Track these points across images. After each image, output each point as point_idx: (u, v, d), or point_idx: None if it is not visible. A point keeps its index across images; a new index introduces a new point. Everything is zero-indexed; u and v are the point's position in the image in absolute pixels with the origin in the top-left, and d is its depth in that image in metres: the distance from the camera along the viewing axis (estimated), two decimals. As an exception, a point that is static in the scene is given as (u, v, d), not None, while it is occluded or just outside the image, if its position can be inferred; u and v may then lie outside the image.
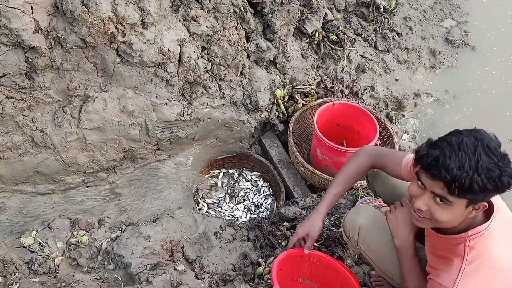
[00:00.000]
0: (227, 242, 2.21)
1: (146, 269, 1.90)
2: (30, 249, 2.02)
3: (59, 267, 1.96)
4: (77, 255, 2.04)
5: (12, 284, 1.74)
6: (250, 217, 3.07)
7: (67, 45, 2.38)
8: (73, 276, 1.89)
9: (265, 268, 2.15)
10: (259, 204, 3.22)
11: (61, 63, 2.43)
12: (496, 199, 1.49)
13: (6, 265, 1.86)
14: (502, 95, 4.06)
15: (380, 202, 2.51)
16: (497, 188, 1.32)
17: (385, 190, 2.05)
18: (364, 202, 2.68)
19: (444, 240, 1.52)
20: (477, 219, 1.45)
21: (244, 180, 3.37)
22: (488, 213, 1.46)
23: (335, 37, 3.50)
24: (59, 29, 2.34)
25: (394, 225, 1.75)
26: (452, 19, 4.64)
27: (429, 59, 4.25)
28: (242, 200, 3.21)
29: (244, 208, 3.16)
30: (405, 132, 3.75)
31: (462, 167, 1.30)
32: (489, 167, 1.30)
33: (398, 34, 4.18)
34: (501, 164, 1.32)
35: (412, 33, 4.30)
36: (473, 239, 1.43)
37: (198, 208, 3.09)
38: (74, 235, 2.10)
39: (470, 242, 1.43)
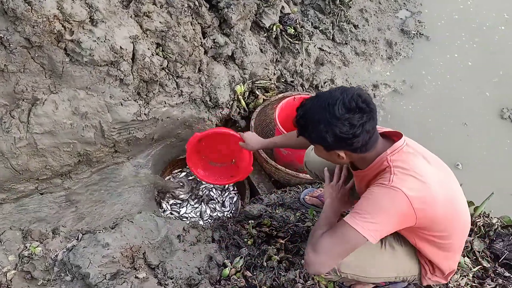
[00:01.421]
0: (191, 245, 2.15)
1: (105, 278, 1.81)
2: (-22, 265, 1.89)
3: (11, 281, 1.84)
4: (31, 268, 1.92)
5: (-42, 305, 1.62)
6: (217, 215, 3.02)
7: (11, 45, 2.24)
8: (27, 291, 1.78)
9: (231, 269, 2.11)
10: (224, 202, 3.17)
11: (5, 65, 2.28)
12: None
13: (-49, 285, 1.73)
14: (456, 80, 4.19)
15: (320, 191, 2.73)
16: (322, 140, 1.54)
17: (316, 168, 2.19)
18: (307, 195, 2.74)
19: (369, 170, 1.65)
20: (380, 146, 1.61)
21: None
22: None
23: (293, 30, 3.48)
24: (0, 29, 2.20)
25: (328, 192, 1.91)
26: (407, 9, 4.74)
27: (386, 50, 4.32)
28: (207, 200, 3.15)
29: (209, 208, 3.10)
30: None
31: (302, 116, 1.58)
32: (319, 120, 1.51)
33: (355, 26, 4.22)
34: (333, 121, 1.48)
35: (368, 25, 4.36)
36: (393, 155, 1.58)
37: (161, 210, 3.01)
38: (26, 247, 1.98)
39: (391, 157, 1.58)
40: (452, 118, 3.89)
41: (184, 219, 3.00)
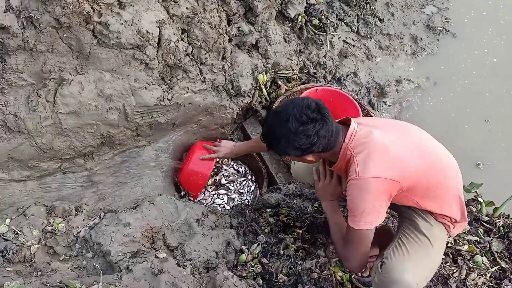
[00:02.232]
0: (210, 229, 2.17)
1: (126, 257, 1.84)
2: (4, 237, 1.93)
3: (35, 255, 1.89)
4: (54, 243, 1.96)
5: (-16, 274, 1.66)
6: (233, 203, 3.03)
7: (40, 25, 2.26)
8: (50, 264, 1.82)
9: (248, 255, 2.12)
10: (242, 192, 3.17)
11: (34, 44, 2.31)
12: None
13: (-22, 255, 1.78)
14: (481, 77, 4.12)
15: None
16: (287, 153, 1.71)
17: (304, 177, 2.29)
18: None
19: (340, 163, 1.79)
20: (341, 137, 1.74)
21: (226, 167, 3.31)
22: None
23: (318, 21, 3.46)
24: (31, 8, 2.22)
25: (321, 194, 2.08)
26: (434, 5, 4.65)
27: (410, 46, 4.26)
28: (226, 188, 3.16)
29: (227, 196, 3.12)
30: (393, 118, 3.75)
31: (266, 133, 1.76)
32: (279, 137, 1.68)
33: (380, 20, 4.17)
34: (290, 136, 1.65)
35: (394, 19, 4.30)
36: (351, 142, 1.72)
37: (179, 195, 3.03)
38: (50, 223, 2.02)
39: (350, 145, 1.72)
40: (475, 116, 3.84)
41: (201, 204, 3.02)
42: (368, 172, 1.64)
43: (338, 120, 1.82)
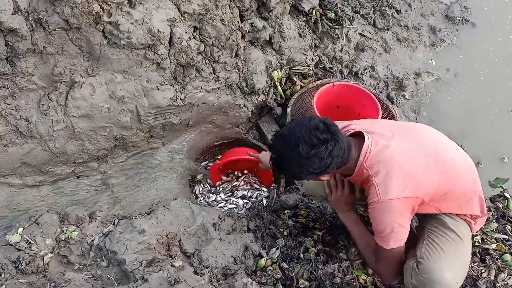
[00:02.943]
0: (227, 234, 2.10)
1: (141, 265, 1.79)
2: (17, 247, 1.89)
3: (48, 265, 1.84)
4: (68, 252, 1.91)
5: (-3, 286, 1.62)
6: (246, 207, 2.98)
7: (50, 27, 2.21)
8: (64, 275, 1.77)
9: (267, 260, 2.05)
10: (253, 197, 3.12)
11: (44, 46, 2.26)
12: (372, 122, 1.94)
13: (-9, 265, 1.74)
14: (504, 66, 3.98)
15: None
16: (300, 178, 1.69)
17: (317, 189, 2.25)
18: None
19: (355, 177, 1.78)
20: (354, 152, 1.70)
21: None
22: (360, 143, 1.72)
23: (333, 14, 3.35)
24: (40, 9, 2.17)
25: (335, 205, 2.08)
26: (452, -6, 4.48)
27: (429, 37, 4.12)
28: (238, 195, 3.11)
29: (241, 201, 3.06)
30: (406, 114, 3.64)
31: (275, 160, 1.71)
32: (290, 162, 1.62)
33: (397, 11, 4.03)
34: (302, 161, 1.59)
35: (411, 10, 4.15)
36: (367, 160, 1.68)
37: (194, 197, 2.98)
38: (63, 231, 1.97)
39: (366, 163, 1.69)
40: (498, 107, 3.69)
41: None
42: (390, 194, 1.63)
43: (348, 133, 1.78)
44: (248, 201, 3.03)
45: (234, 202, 2.98)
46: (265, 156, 2.57)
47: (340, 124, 1.81)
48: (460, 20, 4.26)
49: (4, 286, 1.61)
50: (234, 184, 3.14)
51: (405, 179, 1.65)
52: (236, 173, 3.26)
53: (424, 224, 1.91)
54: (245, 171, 3.25)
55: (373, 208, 1.69)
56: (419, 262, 1.75)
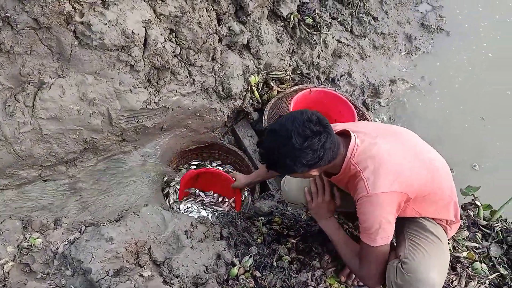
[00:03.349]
0: (199, 241, 2.05)
1: (108, 275, 1.72)
2: (-24, 255, 1.80)
3: (9, 274, 1.75)
4: (30, 260, 1.83)
5: (-47, 297, 1.53)
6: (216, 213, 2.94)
7: (18, 26, 2.13)
8: (25, 284, 1.69)
9: (239, 268, 2.01)
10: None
11: (11, 46, 2.18)
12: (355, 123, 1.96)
13: None
14: (477, 75, 4.05)
15: None
16: (293, 171, 1.65)
17: (297, 197, 2.21)
18: None
19: (342, 175, 1.77)
20: (342, 149, 1.71)
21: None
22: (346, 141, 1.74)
23: (311, 20, 3.36)
24: (8, 8, 2.09)
25: (316, 212, 2.04)
26: (427, 3, 4.57)
27: (405, 45, 4.18)
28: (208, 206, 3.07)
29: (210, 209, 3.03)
30: (381, 121, 3.67)
31: (266, 155, 1.69)
32: (283, 155, 1.61)
33: (374, 19, 4.07)
34: (296, 153, 1.59)
35: (388, 18, 4.20)
36: (354, 156, 1.70)
37: (169, 203, 2.92)
38: (26, 238, 1.88)
39: (353, 160, 1.70)
40: (471, 114, 3.76)
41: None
42: (378, 188, 1.64)
43: (335, 132, 1.76)
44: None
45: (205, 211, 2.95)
46: (239, 175, 2.70)
47: None
48: (435, 28, 4.33)
49: (-41, 297, 1.52)
50: (198, 200, 3.10)
51: (394, 174, 1.66)
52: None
53: (403, 228, 1.91)
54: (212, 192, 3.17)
55: (361, 203, 1.69)
56: (403, 262, 1.75)
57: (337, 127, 1.83)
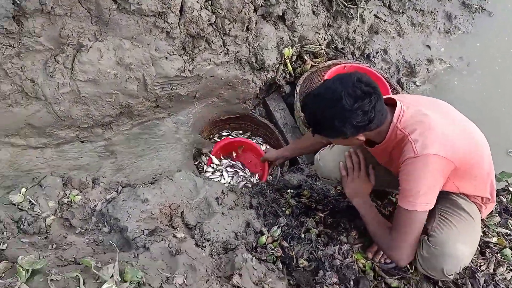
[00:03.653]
0: (229, 209, 2.09)
1: (143, 234, 1.78)
2: (20, 207, 1.88)
3: (50, 227, 1.83)
4: (70, 215, 1.91)
5: (-1, 244, 1.61)
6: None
7: (59, -13, 2.15)
8: (65, 237, 1.77)
9: (268, 237, 2.04)
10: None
11: (52, 7, 2.20)
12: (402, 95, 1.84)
13: (-7, 224, 1.74)
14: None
15: None
16: (342, 134, 1.61)
17: (331, 172, 2.19)
18: None
19: (387, 143, 1.73)
20: (388, 115, 1.68)
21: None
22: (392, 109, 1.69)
23: (349, -7, 3.27)
24: (50, -32, 2.11)
25: (350, 189, 2.02)
26: (471, -19, 4.37)
27: (444, 23, 4.04)
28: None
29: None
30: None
31: (312, 117, 1.66)
32: (332, 117, 1.57)
33: (414, -6, 3.94)
34: (346, 114, 1.54)
35: (428, -6, 4.06)
36: (400, 121, 1.66)
37: (199, 170, 2.97)
38: (66, 194, 1.96)
39: (400, 125, 1.66)
40: (509, 98, 3.64)
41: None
42: (427, 149, 1.58)
43: None
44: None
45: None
46: (271, 149, 2.70)
47: None
48: (477, 8, 4.18)
49: (6, 244, 1.60)
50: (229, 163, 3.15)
51: (442, 140, 1.61)
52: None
53: (435, 205, 1.83)
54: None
55: (407, 163, 1.63)
56: (430, 235, 1.72)
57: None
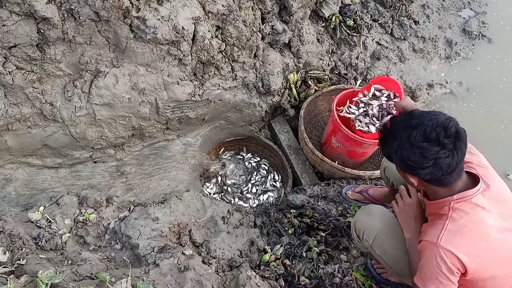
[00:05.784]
0: (235, 227, 2.19)
1: (153, 251, 1.89)
2: (38, 224, 2.00)
3: (66, 244, 1.95)
4: (85, 233, 2.02)
5: (19, 260, 1.73)
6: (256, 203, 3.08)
7: (80, 17, 2.31)
8: (80, 254, 1.88)
9: (271, 255, 2.14)
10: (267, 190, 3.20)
11: (73, 36, 2.36)
12: (494, 180, 1.59)
13: (13, 240, 1.85)
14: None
15: (363, 186, 2.69)
16: (389, 157, 1.55)
17: (394, 177, 2.12)
18: (350, 190, 2.72)
19: (431, 205, 1.61)
20: (456, 187, 1.52)
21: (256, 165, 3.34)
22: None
23: (352, 22, 3.42)
24: (72, 1, 2.27)
25: (404, 219, 1.84)
26: (471, 9, 4.52)
27: (444, 49, 4.16)
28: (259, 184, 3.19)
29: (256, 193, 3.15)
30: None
31: (388, 128, 1.57)
32: (395, 138, 1.50)
33: (415, 22, 4.09)
34: (406, 145, 1.46)
35: (429, 22, 4.21)
36: (458, 203, 1.50)
37: (206, 189, 3.08)
38: (82, 213, 2.08)
39: (455, 205, 1.51)
40: (506, 123, 3.73)
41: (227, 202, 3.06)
42: (450, 246, 1.46)
43: (467, 168, 1.58)
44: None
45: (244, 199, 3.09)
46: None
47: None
48: (477, 34, 4.29)
49: (25, 260, 1.72)
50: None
51: (472, 246, 1.46)
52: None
53: None
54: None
55: (424, 242, 1.53)
56: None
57: (472, 165, 1.60)
